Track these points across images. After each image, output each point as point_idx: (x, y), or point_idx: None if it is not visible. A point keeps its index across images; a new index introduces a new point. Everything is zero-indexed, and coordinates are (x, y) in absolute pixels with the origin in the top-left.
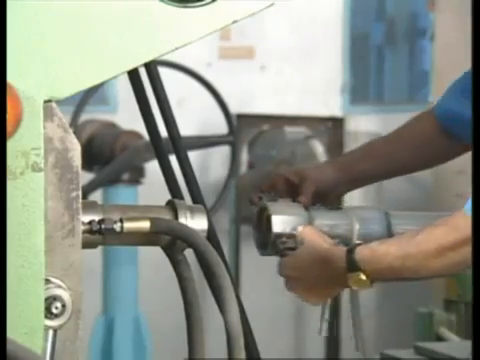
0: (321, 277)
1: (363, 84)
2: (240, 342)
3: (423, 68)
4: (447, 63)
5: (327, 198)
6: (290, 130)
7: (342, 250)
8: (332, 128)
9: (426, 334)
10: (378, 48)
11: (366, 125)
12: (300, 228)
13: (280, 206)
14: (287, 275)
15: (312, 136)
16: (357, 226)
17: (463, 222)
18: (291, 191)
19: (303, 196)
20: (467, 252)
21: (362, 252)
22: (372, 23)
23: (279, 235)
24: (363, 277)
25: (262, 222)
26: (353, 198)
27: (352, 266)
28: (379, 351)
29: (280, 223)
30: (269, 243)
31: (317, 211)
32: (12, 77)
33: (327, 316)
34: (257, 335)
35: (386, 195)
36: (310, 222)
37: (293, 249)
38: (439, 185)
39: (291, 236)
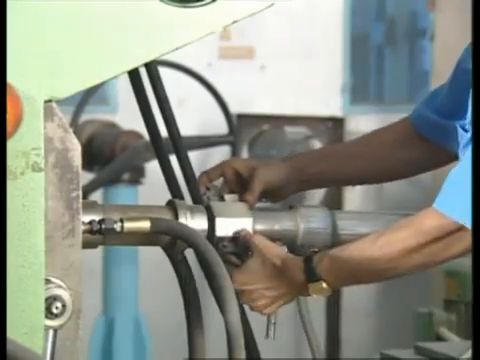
0: (279, 288)
1: (363, 84)
2: (240, 342)
3: (423, 68)
4: (447, 63)
5: (276, 196)
6: (290, 130)
7: (299, 260)
8: (332, 128)
9: (426, 334)
10: (378, 48)
11: (366, 125)
12: (243, 232)
13: (224, 207)
14: (242, 289)
15: (312, 136)
16: (302, 225)
17: (429, 222)
18: (239, 184)
19: (250, 195)
20: (432, 252)
21: (321, 261)
22: (372, 23)
23: (221, 238)
24: (324, 285)
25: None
26: (353, 199)
27: (312, 277)
28: (379, 351)
29: (223, 226)
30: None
31: (262, 212)
32: (12, 77)
33: (274, 319)
34: (257, 335)
35: (386, 196)
36: (254, 224)
37: (235, 254)
38: (439, 185)
39: (234, 239)
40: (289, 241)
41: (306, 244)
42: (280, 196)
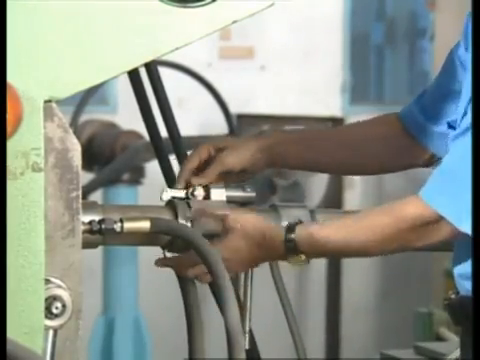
0: (258, 257)
1: (363, 84)
2: (240, 342)
3: (423, 68)
4: None
5: (240, 176)
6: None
7: (280, 232)
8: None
9: (426, 334)
10: (378, 48)
11: None
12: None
13: (202, 205)
14: (223, 257)
15: None
16: (283, 223)
17: (410, 210)
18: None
19: (202, 178)
20: (409, 239)
21: (302, 236)
22: (372, 23)
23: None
24: (303, 258)
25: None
26: (353, 199)
27: (291, 249)
28: (379, 351)
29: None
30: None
31: (242, 210)
32: (12, 77)
33: (248, 328)
34: (257, 335)
35: (386, 195)
36: None
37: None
38: None
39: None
40: None
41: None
42: (245, 176)
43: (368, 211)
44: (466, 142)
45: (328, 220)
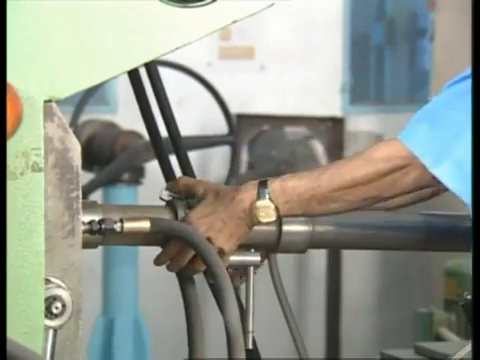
0: (233, 215)
1: (363, 84)
2: (240, 342)
3: (423, 68)
4: (447, 63)
5: None
6: (290, 130)
7: (252, 183)
8: (332, 128)
9: (426, 334)
10: (378, 48)
11: (366, 125)
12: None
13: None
14: (198, 223)
15: (312, 136)
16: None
17: (380, 152)
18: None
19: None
20: (382, 182)
21: (272, 184)
22: (372, 23)
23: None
24: (272, 208)
25: None
26: None
27: (262, 195)
28: (379, 351)
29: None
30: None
31: None
32: (12, 77)
33: (250, 328)
34: (257, 335)
35: None
36: None
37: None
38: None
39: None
40: (268, 239)
41: (285, 244)
42: None
43: (339, 160)
44: (454, 90)
45: (326, 220)
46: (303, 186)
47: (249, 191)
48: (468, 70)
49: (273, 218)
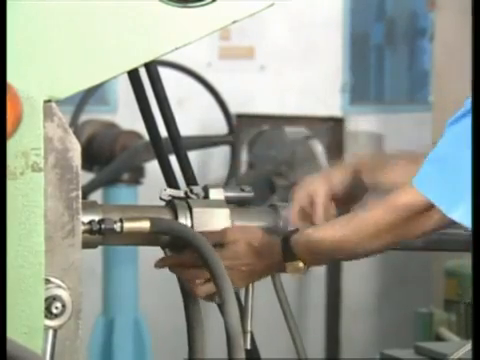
0: (256, 265)
1: (363, 84)
2: (239, 342)
3: (423, 68)
4: (447, 63)
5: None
6: (290, 130)
7: (276, 240)
8: (332, 128)
9: (426, 334)
10: (378, 48)
11: (366, 125)
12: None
13: (202, 201)
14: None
15: (312, 136)
16: (282, 223)
17: (404, 199)
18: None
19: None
20: (402, 232)
21: (298, 242)
22: (372, 23)
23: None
24: (301, 265)
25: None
26: None
27: (289, 256)
28: (379, 351)
29: (200, 216)
30: None
31: (241, 208)
32: (12, 77)
33: (248, 328)
34: (257, 335)
35: None
36: (232, 219)
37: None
38: None
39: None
40: None
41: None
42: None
43: (360, 209)
44: (459, 129)
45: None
46: (328, 240)
47: (274, 244)
48: (468, 104)
49: (303, 272)
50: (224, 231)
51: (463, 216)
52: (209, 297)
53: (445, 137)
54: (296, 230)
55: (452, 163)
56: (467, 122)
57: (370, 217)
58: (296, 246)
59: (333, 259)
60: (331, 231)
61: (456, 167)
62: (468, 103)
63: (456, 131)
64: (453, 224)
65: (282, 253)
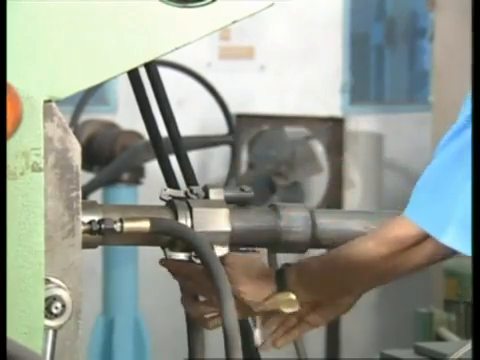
0: (250, 293)
1: (363, 84)
2: (237, 343)
3: (423, 68)
4: (447, 63)
5: None
6: (290, 130)
7: (272, 270)
8: (332, 128)
9: (426, 334)
10: (378, 48)
11: (366, 125)
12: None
13: (202, 202)
14: None
15: (312, 136)
16: (282, 224)
17: (396, 232)
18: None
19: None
20: (395, 264)
21: (291, 273)
22: (372, 23)
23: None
24: (292, 296)
25: None
26: (353, 199)
27: (281, 285)
28: (379, 351)
29: (200, 216)
30: None
31: (241, 209)
32: (12, 77)
33: (257, 323)
34: None
35: (386, 195)
36: (232, 220)
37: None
38: None
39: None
40: (268, 239)
41: (285, 242)
42: None
43: (354, 240)
44: (448, 152)
45: (328, 220)
46: (319, 272)
47: (269, 274)
48: (455, 126)
49: (294, 307)
50: (223, 257)
51: (453, 240)
52: (202, 320)
53: (435, 162)
54: (289, 264)
55: (441, 188)
56: (456, 145)
57: (362, 250)
58: (290, 277)
59: (326, 293)
60: (322, 262)
61: (444, 192)
62: (456, 126)
63: (445, 156)
64: (446, 256)
65: (275, 283)
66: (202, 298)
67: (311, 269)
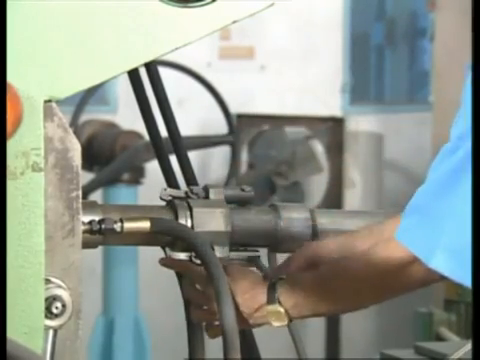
0: (242, 304)
1: (363, 84)
2: (235, 344)
3: (423, 68)
4: (447, 63)
5: None
6: (290, 130)
7: (265, 282)
8: (332, 128)
9: (426, 334)
10: (378, 48)
11: (366, 125)
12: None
13: (202, 201)
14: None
15: (312, 136)
16: (281, 223)
17: (385, 253)
18: None
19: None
20: (385, 284)
21: (282, 286)
22: (372, 23)
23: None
24: (281, 310)
25: None
26: (353, 199)
27: (271, 297)
28: (379, 351)
29: (200, 215)
30: None
31: (241, 209)
32: (12, 77)
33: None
34: (257, 335)
35: (386, 195)
36: (232, 219)
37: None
38: None
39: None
40: (268, 239)
41: (285, 242)
42: None
43: (345, 257)
44: (437, 175)
45: (328, 220)
46: (309, 288)
47: (261, 285)
48: (446, 147)
49: (283, 321)
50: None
51: (440, 264)
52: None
53: (425, 186)
54: (283, 278)
55: (429, 213)
56: (444, 169)
57: (350, 268)
58: (280, 289)
59: (314, 309)
60: (312, 278)
61: (433, 216)
62: (446, 148)
63: (435, 178)
64: (437, 280)
65: (267, 298)
66: (205, 306)
67: (302, 285)
